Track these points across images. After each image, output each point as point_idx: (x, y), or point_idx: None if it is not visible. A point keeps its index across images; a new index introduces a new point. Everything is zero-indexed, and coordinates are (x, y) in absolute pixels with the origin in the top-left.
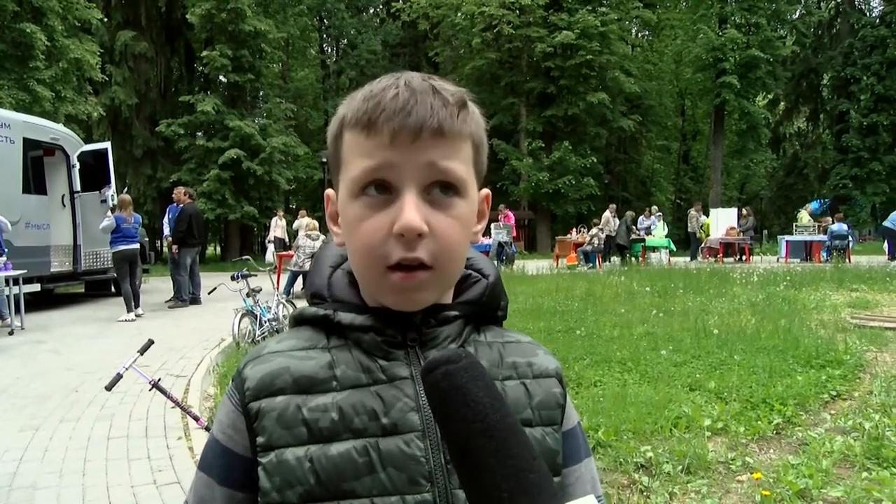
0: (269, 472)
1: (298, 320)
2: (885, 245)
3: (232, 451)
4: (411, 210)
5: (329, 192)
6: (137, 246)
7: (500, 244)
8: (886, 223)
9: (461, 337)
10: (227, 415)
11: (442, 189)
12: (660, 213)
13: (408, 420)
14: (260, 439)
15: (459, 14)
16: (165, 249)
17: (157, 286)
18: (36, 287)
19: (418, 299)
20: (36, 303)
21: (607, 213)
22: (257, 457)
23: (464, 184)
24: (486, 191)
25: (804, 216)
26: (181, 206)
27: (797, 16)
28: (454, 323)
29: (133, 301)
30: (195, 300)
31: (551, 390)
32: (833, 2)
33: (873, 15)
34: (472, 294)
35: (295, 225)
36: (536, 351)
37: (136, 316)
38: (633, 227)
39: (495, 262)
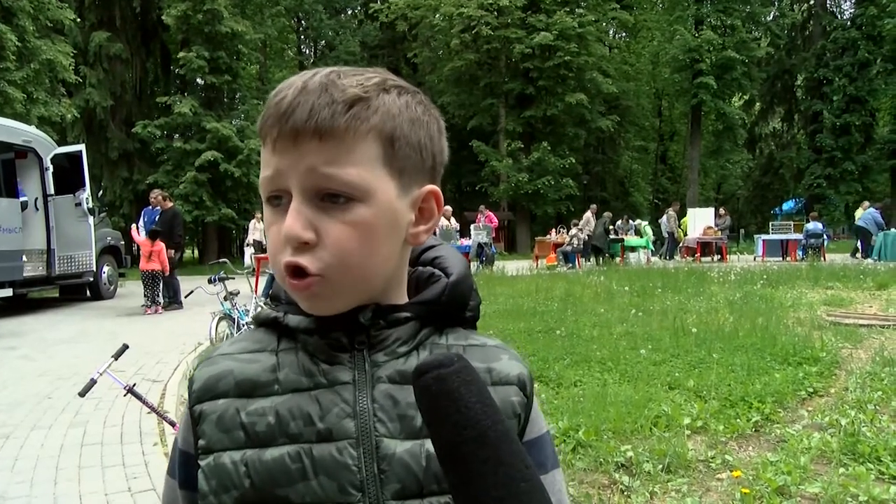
0: (206, 475)
1: (256, 322)
2: (858, 243)
3: (187, 452)
4: (291, 217)
5: None
6: None
7: (479, 245)
8: (859, 222)
9: (415, 339)
10: (182, 418)
11: (330, 197)
12: (645, 221)
13: (343, 427)
14: (201, 442)
15: (438, 15)
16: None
17: (132, 290)
18: (8, 292)
19: (320, 306)
20: (8, 308)
21: (588, 214)
22: (198, 459)
23: (359, 189)
24: (429, 187)
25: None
26: (163, 209)
27: (771, 17)
28: (406, 325)
29: None
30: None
31: (508, 398)
32: (805, 4)
33: (844, 17)
34: (429, 294)
35: None
36: (500, 356)
37: None
38: (612, 229)
39: (476, 264)
